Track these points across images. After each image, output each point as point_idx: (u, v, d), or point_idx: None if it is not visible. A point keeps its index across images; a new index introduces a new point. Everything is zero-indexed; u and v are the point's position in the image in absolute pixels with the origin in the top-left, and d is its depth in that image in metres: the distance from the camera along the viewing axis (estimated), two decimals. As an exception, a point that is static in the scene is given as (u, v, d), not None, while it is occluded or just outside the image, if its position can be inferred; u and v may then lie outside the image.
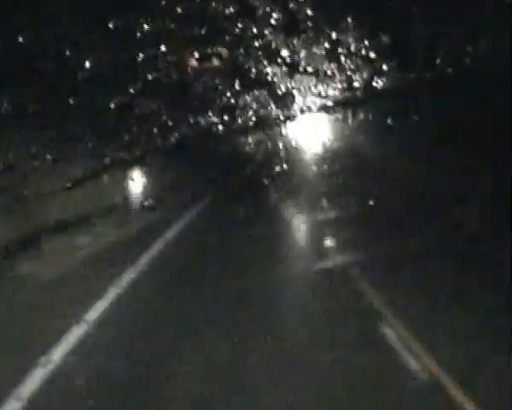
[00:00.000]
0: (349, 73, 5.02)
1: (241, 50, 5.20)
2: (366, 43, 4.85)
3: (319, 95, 5.20)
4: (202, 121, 5.74)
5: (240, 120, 5.50)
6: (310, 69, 5.07)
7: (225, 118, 5.60)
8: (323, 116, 5.80)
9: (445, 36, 5.04)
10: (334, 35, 4.88)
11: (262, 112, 5.37)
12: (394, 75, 5.06)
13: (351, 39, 4.85)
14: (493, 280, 5.58)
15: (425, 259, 6.21)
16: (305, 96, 5.24)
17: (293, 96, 5.23)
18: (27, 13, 4.75)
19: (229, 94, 5.43)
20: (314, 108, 5.31)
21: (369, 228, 7.37)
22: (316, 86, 5.15)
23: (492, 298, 5.23)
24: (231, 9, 5.01)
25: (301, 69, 5.06)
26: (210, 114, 5.63)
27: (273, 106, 5.33)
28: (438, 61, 5.24)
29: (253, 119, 5.45)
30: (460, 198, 7.00)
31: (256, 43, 5.05)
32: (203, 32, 5.09)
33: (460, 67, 5.43)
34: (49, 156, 5.38)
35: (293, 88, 5.21)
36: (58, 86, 4.90)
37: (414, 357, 4.32)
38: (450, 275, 5.88)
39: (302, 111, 5.28)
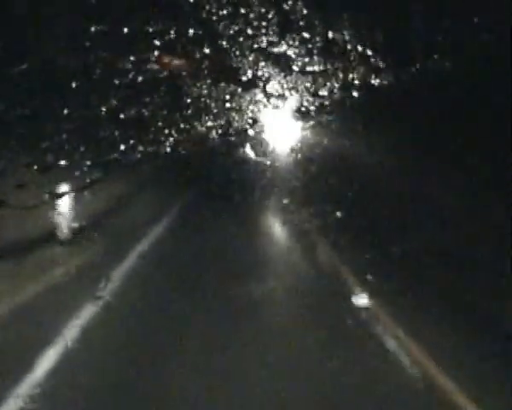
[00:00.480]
0: (345, 71, 4.96)
1: (237, 52, 5.12)
2: (362, 39, 4.78)
3: (315, 95, 5.13)
4: (199, 127, 5.67)
5: (235, 124, 5.42)
6: (305, 69, 5.00)
7: (222, 122, 5.53)
8: (319, 116, 5.73)
9: (444, 32, 4.96)
10: (330, 33, 4.80)
11: (257, 114, 5.30)
12: (392, 73, 5.00)
13: (347, 37, 4.77)
14: (492, 281, 5.55)
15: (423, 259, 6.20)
16: (300, 96, 5.18)
17: (288, 97, 5.16)
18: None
19: (223, 97, 5.35)
20: (310, 108, 5.24)
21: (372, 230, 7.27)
22: (312, 86, 5.08)
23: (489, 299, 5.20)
24: (225, 11, 4.94)
25: (296, 69, 4.99)
26: (206, 118, 5.56)
27: (268, 106, 5.27)
28: (436, 58, 5.16)
29: (249, 121, 5.38)
30: (459, 198, 6.93)
31: (250, 44, 4.97)
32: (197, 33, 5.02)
33: (459, 65, 5.37)
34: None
35: (288, 88, 5.14)
36: (47, 90, 4.83)
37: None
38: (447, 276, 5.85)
39: (298, 111, 5.22)
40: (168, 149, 5.82)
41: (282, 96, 5.27)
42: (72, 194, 6.04)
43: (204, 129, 5.56)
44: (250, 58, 5.07)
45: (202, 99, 5.46)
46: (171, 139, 5.69)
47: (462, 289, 5.82)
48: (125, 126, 5.58)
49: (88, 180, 5.93)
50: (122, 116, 5.42)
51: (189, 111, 5.53)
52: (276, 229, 9.31)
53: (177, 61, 5.08)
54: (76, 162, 5.94)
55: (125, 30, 4.85)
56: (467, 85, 5.86)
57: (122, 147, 5.73)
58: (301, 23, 4.81)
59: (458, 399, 4.56)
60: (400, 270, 6.42)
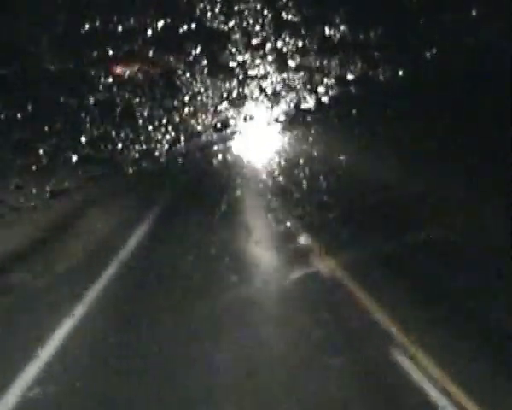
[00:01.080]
0: (343, 67, 4.92)
1: (232, 49, 5.08)
2: (360, 34, 4.73)
3: (312, 91, 5.10)
4: (195, 124, 5.63)
5: (231, 120, 5.39)
6: (302, 65, 4.96)
7: (217, 119, 5.49)
8: (317, 114, 5.69)
9: (444, 28, 4.92)
10: (326, 29, 4.76)
11: (253, 111, 5.27)
12: (389, 68, 4.96)
13: (344, 32, 4.73)
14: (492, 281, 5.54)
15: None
16: (297, 93, 5.14)
17: (285, 94, 5.12)
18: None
19: (219, 94, 5.31)
20: (307, 104, 5.21)
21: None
22: (308, 82, 5.05)
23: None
24: (219, 8, 4.90)
25: (293, 65, 4.94)
26: (203, 116, 5.52)
27: (265, 105, 5.23)
28: (435, 55, 5.12)
29: (245, 118, 5.34)
30: (460, 198, 6.91)
31: (246, 41, 4.93)
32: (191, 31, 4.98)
33: (459, 63, 5.34)
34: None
35: (285, 85, 5.10)
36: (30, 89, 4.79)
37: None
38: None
39: (295, 107, 5.18)
40: (166, 147, 5.79)
41: (278, 93, 5.23)
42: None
43: (200, 126, 5.52)
44: (246, 55, 5.03)
45: (198, 97, 5.43)
46: (168, 137, 5.65)
47: (463, 288, 5.77)
48: (120, 125, 5.55)
49: (82, 179, 5.90)
50: (117, 114, 5.39)
51: (185, 109, 5.50)
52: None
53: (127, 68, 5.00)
54: (71, 162, 5.91)
55: (120, 28, 4.82)
56: (466, 85, 5.84)
57: (119, 145, 5.70)
58: (297, 19, 4.76)
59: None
60: (399, 270, 6.38)
